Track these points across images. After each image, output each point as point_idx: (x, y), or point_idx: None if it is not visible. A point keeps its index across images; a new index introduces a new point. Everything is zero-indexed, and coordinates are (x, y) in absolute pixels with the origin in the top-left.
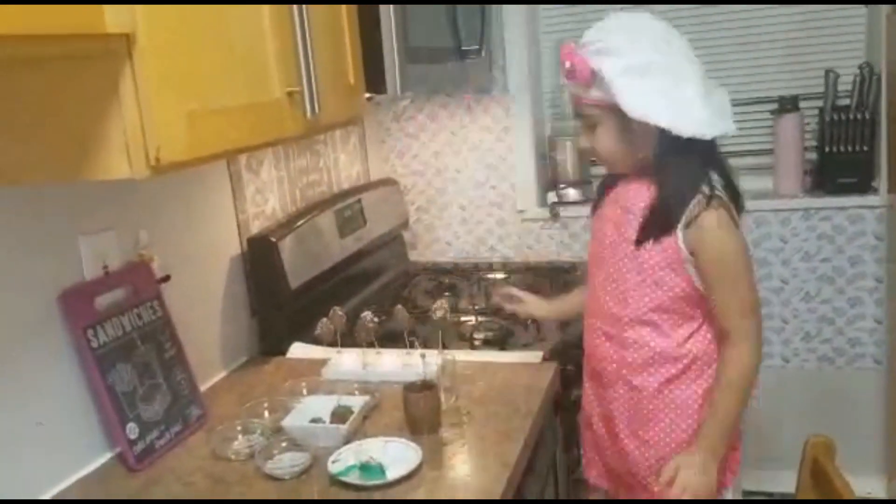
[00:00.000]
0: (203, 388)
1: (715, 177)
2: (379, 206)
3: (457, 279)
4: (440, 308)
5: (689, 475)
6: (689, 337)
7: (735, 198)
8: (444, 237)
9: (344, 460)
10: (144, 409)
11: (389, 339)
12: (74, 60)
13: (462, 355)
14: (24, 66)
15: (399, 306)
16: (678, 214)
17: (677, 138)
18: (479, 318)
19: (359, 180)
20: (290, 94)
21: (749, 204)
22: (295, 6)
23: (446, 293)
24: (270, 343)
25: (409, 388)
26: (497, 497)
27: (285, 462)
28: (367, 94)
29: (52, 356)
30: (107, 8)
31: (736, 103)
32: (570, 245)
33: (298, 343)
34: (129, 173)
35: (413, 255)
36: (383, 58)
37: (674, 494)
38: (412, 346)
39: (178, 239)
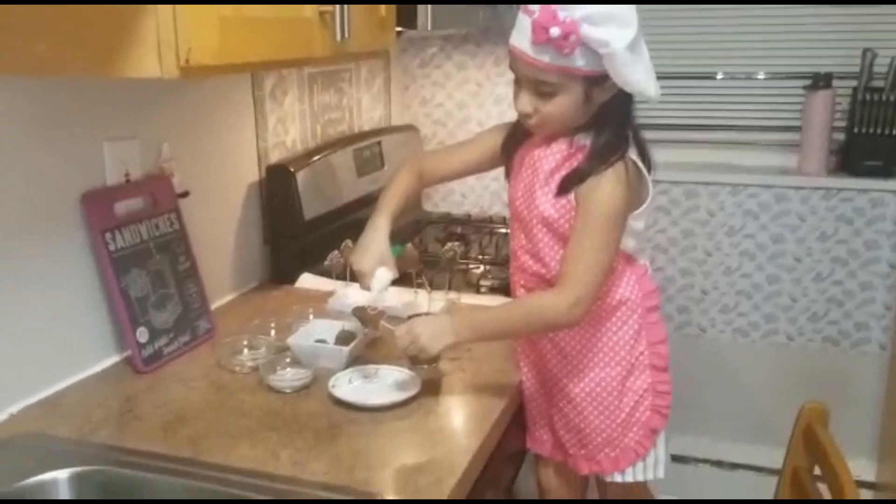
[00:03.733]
0: (213, 306)
1: (632, 138)
2: (398, 151)
3: (468, 230)
4: (450, 250)
5: (420, 323)
6: (612, 284)
7: (645, 160)
8: (459, 189)
9: (341, 385)
10: (155, 315)
11: (397, 279)
12: None
13: (468, 298)
14: None
15: (410, 245)
16: (597, 170)
17: (626, 104)
18: (488, 267)
19: (380, 124)
20: (321, 14)
21: (771, 180)
22: None
23: (457, 241)
24: (281, 271)
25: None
26: (492, 422)
27: (287, 376)
28: (398, 28)
29: (72, 256)
30: None
31: (770, 77)
32: None
33: (307, 274)
34: (158, 72)
35: (428, 206)
36: None
37: (398, 333)
38: (420, 286)
39: (200, 158)
